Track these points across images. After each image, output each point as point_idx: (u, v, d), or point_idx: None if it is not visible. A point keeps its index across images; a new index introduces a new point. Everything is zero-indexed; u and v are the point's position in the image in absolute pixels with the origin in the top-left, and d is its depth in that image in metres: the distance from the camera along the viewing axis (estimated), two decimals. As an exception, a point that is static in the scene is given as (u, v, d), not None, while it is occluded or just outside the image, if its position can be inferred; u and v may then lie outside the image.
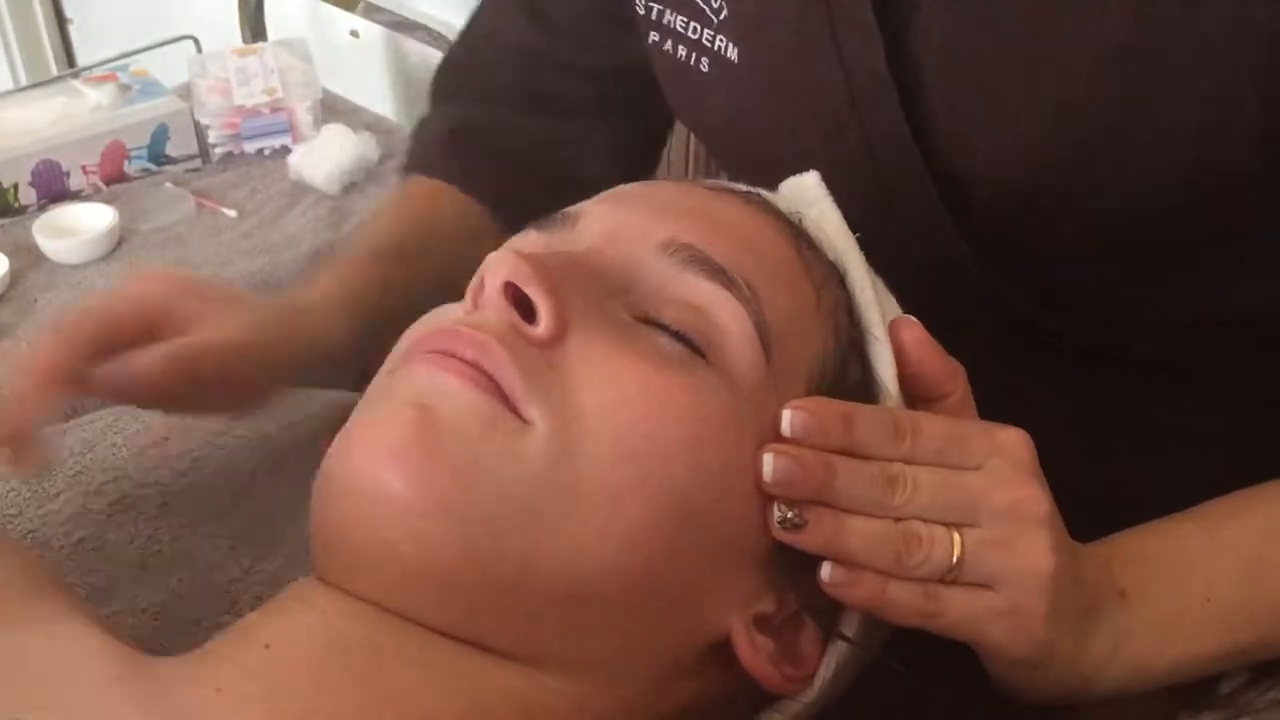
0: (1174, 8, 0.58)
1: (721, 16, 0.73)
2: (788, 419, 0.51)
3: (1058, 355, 0.71)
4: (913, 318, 0.57)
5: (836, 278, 0.58)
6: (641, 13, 0.78)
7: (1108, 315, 0.70)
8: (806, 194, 0.61)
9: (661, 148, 0.98)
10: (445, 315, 0.54)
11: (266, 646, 0.48)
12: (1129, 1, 0.59)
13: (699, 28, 0.75)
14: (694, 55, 0.76)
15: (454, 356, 0.50)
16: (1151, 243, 0.65)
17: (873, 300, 0.57)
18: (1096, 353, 0.71)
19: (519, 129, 0.91)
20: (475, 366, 0.49)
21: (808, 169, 0.69)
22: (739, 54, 0.73)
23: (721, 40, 0.74)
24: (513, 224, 0.83)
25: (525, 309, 0.51)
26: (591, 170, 0.89)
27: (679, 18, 0.75)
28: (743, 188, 0.61)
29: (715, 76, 0.75)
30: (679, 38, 0.76)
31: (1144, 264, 0.67)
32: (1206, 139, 0.60)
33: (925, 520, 0.52)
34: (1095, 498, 0.60)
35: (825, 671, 0.54)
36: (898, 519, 0.52)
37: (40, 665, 0.48)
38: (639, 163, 0.96)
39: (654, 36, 0.78)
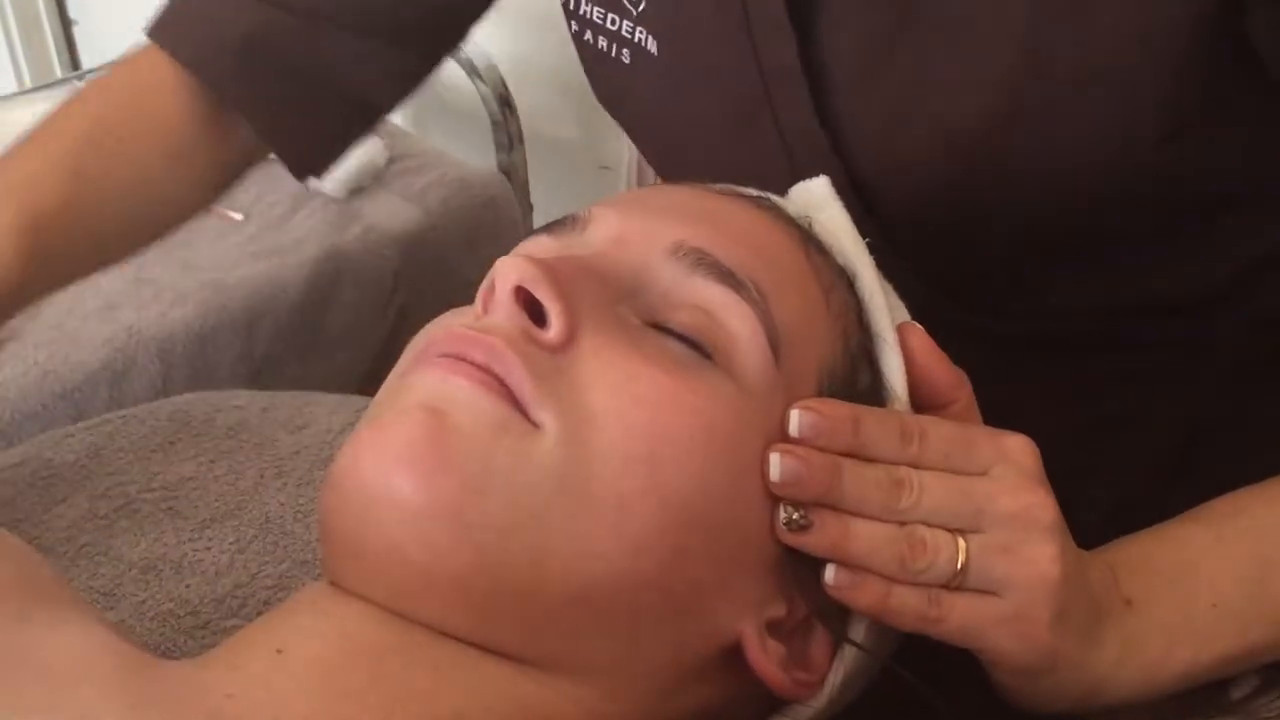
0: (1064, 19, 0.60)
1: (640, 9, 0.74)
2: (795, 418, 0.51)
3: (999, 353, 0.71)
4: (917, 324, 0.57)
5: (846, 282, 0.58)
6: (561, 3, 0.78)
7: (1024, 313, 0.70)
8: (815, 198, 0.61)
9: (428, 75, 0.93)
10: (456, 319, 0.54)
11: (278, 651, 0.48)
12: (1020, 15, 0.60)
13: (618, 19, 0.75)
14: (614, 47, 0.76)
15: (465, 360, 0.50)
16: (1058, 243, 0.66)
17: (883, 305, 0.57)
18: (1038, 347, 0.71)
19: (299, 36, 0.84)
20: (486, 370, 0.49)
21: (726, 161, 0.69)
22: (658, 46, 0.73)
23: (641, 32, 0.74)
24: (263, 127, 0.85)
25: (535, 313, 0.50)
26: (365, 90, 0.87)
27: (596, 9, 0.76)
28: (753, 192, 0.61)
29: (636, 68, 0.75)
30: (599, 29, 0.76)
31: (1054, 263, 0.67)
32: (1109, 140, 0.61)
33: (930, 525, 0.52)
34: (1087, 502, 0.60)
35: (835, 677, 0.54)
36: (903, 523, 0.52)
37: (47, 667, 0.47)
38: (411, 87, 0.91)
39: (574, 27, 0.78)
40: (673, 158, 0.80)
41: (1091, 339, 0.71)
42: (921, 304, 0.67)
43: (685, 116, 0.75)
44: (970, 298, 0.69)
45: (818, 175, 0.66)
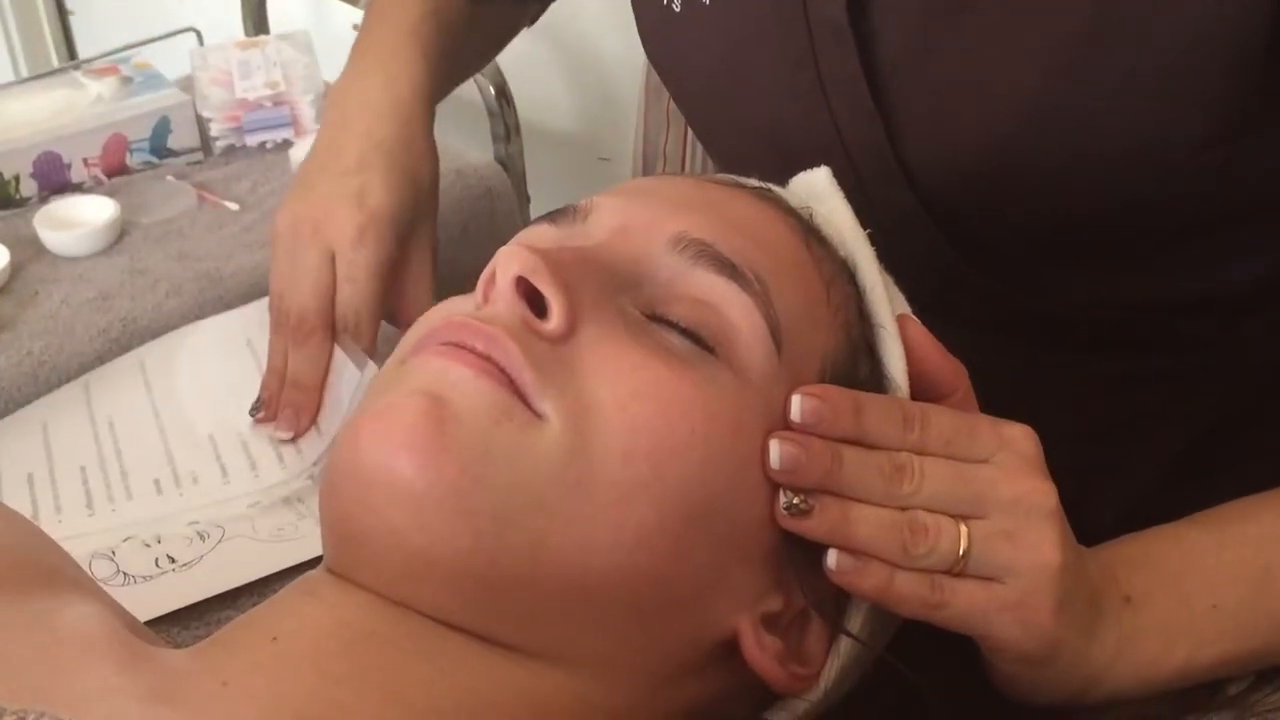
0: (1127, 15, 0.59)
1: None
2: (796, 403, 0.51)
3: (1017, 351, 0.71)
4: (914, 317, 0.57)
5: (846, 273, 0.57)
6: None
7: (1048, 295, 0.70)
8: (817, 189, 0.60)
9: None
10: (456, 307, 0.54)
11: (274, 639, 0.48)
12: (1083, 7, 0.60)
13: None
14: None
15: (465, 348, 0.49)
16: (1088, 234, 0.66)
17: (883, 296, 0.57)
18: (1058, 341, 0.71)
19: None
20: (487, 358, 0.49)
21: (768, 116, 0.68)
22: None
23: None
24: None
25: (536, 304, 0.50)
26: None
27: None
28: (754, 183, 0.61)
29: (686, 17, 0.75)
30: None
31: (1082, 252, 0.67)
32: (1152, 140, 0.61)
33: (932, 511, 0.52)
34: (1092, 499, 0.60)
35: (831, 670, 0.54)
36: (904, 509, 0.52)
37: (61, 644, 0.47)
38: None
39: None
40: (714, 116, 0.80)
41: (1112, 334, 0.71)
42: (944, 268, 0.66)
43: (731, 69, 0.74)
44: (994, 268, 0.69)
45: (859, 132, 0.65)
